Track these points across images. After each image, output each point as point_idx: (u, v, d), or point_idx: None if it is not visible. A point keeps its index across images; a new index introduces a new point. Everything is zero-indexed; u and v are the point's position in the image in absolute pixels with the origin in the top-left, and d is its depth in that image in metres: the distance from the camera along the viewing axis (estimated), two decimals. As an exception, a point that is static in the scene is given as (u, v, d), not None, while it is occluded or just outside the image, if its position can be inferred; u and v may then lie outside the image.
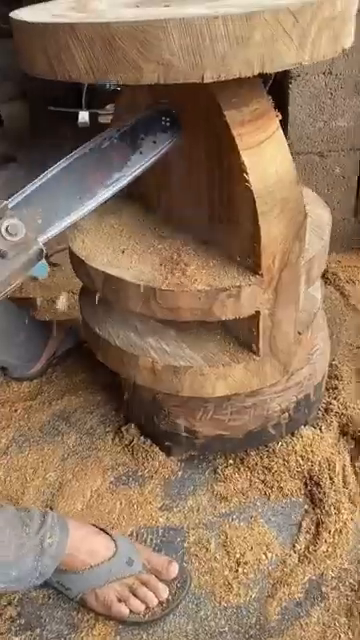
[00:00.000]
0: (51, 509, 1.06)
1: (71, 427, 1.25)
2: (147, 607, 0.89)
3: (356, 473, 1.09)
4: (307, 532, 1.01)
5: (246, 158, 0.80)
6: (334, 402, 1.23)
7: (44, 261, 0.81)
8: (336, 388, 1.26)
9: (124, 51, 0.67)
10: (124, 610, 0.88)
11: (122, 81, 0.70)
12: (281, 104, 1.60)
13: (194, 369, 0.95)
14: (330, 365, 1.33)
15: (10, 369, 1.36)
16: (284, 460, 1.11)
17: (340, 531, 0.99)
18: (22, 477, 1.13)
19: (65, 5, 0.84)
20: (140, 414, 1.18)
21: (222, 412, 1.06)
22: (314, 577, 0.94)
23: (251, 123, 0.81)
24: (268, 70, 0.70)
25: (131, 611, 0.88)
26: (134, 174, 0.87)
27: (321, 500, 1.04)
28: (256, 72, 0.69)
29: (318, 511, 1.03)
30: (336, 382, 1.28)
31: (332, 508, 1.02)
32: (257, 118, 0.82)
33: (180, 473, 1.13)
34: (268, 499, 1.07)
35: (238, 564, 0.96)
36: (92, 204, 0.84)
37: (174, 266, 0.91)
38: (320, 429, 1.17)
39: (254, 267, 0.87)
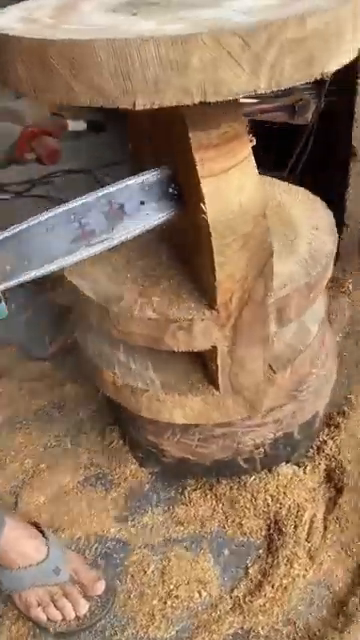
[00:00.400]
0: (16, 498, 1.10)
1: (63, 416, 1.27)
2: (64, 618, 0.90)
3: (326, 527, 1.00)
4: (251, 580, 0.95)
5: (205, 186, 0.73)
6: (330, 442, 1.13)
7: (3, 304, 0.78)
8: (338, 427, 1.16)
9: (57, 70, 0.63)
10: (41, 616, 0.90)
11: (58, 102, 0.66)
12: (348, 101, 1.44)
13: (151, 393, 0.92)
14: (344, 398, 1.23)
15: (24, 349, 1.41)
16: (252, 496, 1.05)
17: (285, 588, 0.92)
18: (2, 459, 1.18)
19: (51, 6, 0.80)
20: (119, 418, 1.17)
21: (189, 437, 1.02)
22: (240, 631, 0.89)
23: (218, 148, 0.73)
24: (212, 99, 0.62)
25: (49, 618, 0.90)
26: (122, 238, 0.79)
27: (277, 549, 0.98)
28: (196, 100, 0.62)
29: (270, 560, 0.97)
30: (340, 420, 1.17)
31: (285, 560, 0.95)
32: (226, 142, 0.74)
33: (148, 486, 1.11)
34: (225, 534, 1.02)
35: (169, 596, 0.93)
36: (69, 260, 0.78)
37: (140, 287, 0.87)
38: (304, 469, 1.09)
39: (210, 301, 0.80)
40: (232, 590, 0.94)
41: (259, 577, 0.95)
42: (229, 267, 0.76)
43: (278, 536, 0.99)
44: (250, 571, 0.96)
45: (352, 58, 0.70)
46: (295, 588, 0.92)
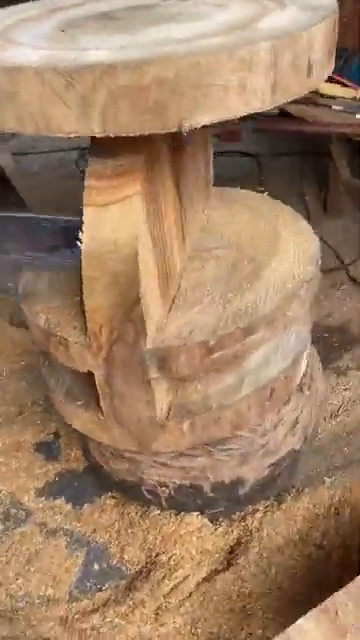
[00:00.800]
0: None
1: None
2: None
3: (190, 594, 0.94)
4: (93, 603, 0.95)
5: (86, 215, 0.72)
6: (258, 515, 1.02)
7: None
8: (281, 504, 1.04)
9: None
10: None
11: None
12: None
13: (57, 394, 0.95)
14: (319, 482, 1.08)
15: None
16: (147, 529, 1.02)
17: (114, 627, 0.91)
18: (-2, 400, 1.34)
19: (16, 17, 0.82)
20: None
21: (104, 447, 1.03)
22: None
23: (109, 179, 0.71)
24: (46, 133, 0.61)
25: None
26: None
27: (134, 589, 0.95)
28: (30, 132, 0.61)
29: (121, 595, 0.95)
30: (290, 501, 1.04)
31: (131, 602, 0.93)
32: (118, 175, 0.71)
33: (81, 475, 1.15)
34: (107, 549, 1.03)
35: (23, 576, 0.99)
36: (31, 260, 0.85)
37: (56, 298, 0.89)
38: (215, 530, 1.02)
39: (86, 328, 0.79)
40: (71, 602, 0.96)
41: (99, 604, 0.95)
42: (96, 300, 0.75)
43: (143, 578, 0.97)
44: (98, 595, 0.96)
45: (242, 114, 0.60)
46: (121, 632, 0.90)
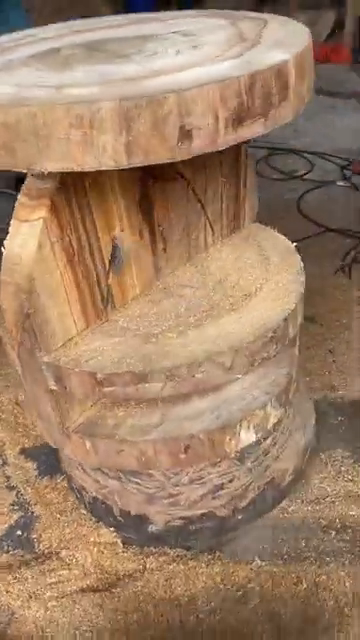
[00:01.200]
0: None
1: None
2: None
3: (64, 597, 0.98)
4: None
5: (12, 225, 0.78)
6: (163, 559, 1.00)
7: None
8: (190, 561, 1.00)
9: None
10: None
11: None
12: None
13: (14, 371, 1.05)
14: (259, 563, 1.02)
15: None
16: (68, 522, 1.09)
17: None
18: None
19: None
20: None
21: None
22: None
23: (32, 199, 0.77)
24: None
25: None
26: None
27: (28, 566, 1.03)
28: None
29: (15, 566, 1.04)
30: (205, 560, 1.00)
31: (17, 577, 1.02)
32: (37, 197, 0.76)
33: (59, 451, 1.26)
34: (35, 523, 1.11)
35: None
36: None
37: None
38: (122, 552, 1.03)
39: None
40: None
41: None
42: (7, 303, 0.81)
43: (40, 562, 1.04)
44: (4, 556, 1.06)
45: (94, 169, 0.59)
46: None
